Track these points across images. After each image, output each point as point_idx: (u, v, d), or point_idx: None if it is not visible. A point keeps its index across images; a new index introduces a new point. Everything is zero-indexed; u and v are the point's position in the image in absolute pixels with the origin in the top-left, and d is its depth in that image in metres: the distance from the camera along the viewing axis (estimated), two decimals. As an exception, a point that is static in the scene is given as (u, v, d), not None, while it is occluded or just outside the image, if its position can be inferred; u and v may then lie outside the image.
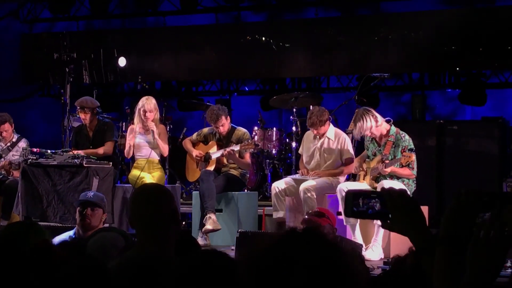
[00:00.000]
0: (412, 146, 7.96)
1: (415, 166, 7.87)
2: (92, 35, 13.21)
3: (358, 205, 2.25)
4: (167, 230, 3.46)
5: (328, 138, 8.63)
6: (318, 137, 8.66)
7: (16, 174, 9.35)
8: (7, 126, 9.88)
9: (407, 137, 8.01)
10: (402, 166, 7.86)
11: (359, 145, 9.00)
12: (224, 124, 9.01)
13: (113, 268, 3.15)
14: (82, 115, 9.36)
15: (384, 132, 8.06)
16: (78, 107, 9.41)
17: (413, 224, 2.22)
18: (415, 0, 11.68)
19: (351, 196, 2.27)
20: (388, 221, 2.24)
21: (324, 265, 1.85)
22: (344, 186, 8.00)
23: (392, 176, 7.95)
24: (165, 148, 9.12)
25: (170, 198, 3.59)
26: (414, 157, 7.81)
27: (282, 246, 1.91)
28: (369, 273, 4.22)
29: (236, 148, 8.85)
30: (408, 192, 7.05)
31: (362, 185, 8.09)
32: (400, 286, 2.68)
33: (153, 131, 8.99)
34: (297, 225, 8.07)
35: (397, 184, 7.87)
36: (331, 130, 8.66)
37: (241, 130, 9.17)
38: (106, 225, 6.79)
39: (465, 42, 10.89)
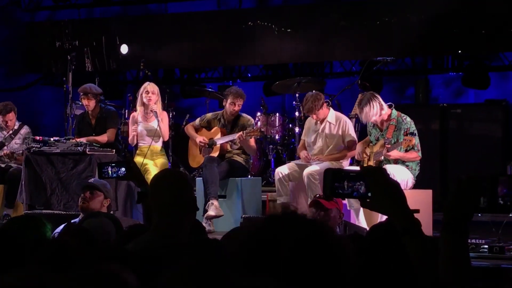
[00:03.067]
0: (414, 129, 7.93)
1: (419, 148, 7.86)
2: (94, 23, 13.19)
3: (342, 187, 2.24)
4: (184, 216, 3.55)
5: (329, 123, 8.62)
6: (319, 122, 8.64)
7: (20, 160, 9.34)
8: (11, 115, 9.88)
9: (408, 119, 7.99)
10: (405, 150, 7.85)
11: (362, 129, 8.98)
12: (237, 107, 9.00)
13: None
14: (85, 102, 9.36)
15: (386, 117, 8.05)
16: (82, 94, 9.40)
17: (393, 203, 2.23)
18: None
19: (331, 175, 2.25)
20: (368, 200, 2.24)
21: (306, 243, 1.84)
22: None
23: (397, 160, 7.93)
24: (166, 132, 9.12)
25: (190, 186, 3.68)
26: (415, 140, 7.79)
27: (264, 229, 1.90)
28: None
29: (234, 137, 8.82)
30: (412, 176, 7.06)
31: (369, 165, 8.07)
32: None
33: (156, 112, 8.98)
34: (300, 210, 8.08)
35: (400, 169, 7.87)
36: (331, 114, 8.65)
37: (246, 117, 9.16)
38: (111, 212, 6.79)
39: (468, 25, 10.84)
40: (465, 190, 2.20)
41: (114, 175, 4.42)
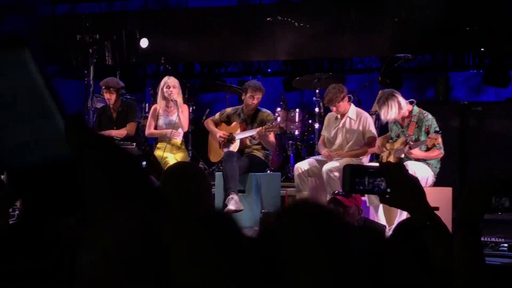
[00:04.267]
0: (436, 127, 7.92)
1: (442, 146, 7.85)
2: (114, 17, 13.22)
3: (363, 183, 2.25)
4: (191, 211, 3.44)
5: (350, 118, 8.62)
6: (339, 117, 8.64)
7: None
8: None
9: (430, 116, 7.98)
10: (428, 149, 7.84)
11: (382, 126, 8.97)
12: (256, 100, 9.01)
13: None
14: (107, 95, 9.41)
15: (407, 113, 8.04)
16: (104, 87, 9.45)
17: (412, 199, 2.26)
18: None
19: (349, 170, 2.27)
20: (387, 196, 2.26)
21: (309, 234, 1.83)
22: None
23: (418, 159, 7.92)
24: (185, 123, 9.16)
25: (199, 180, 3.55)
26: (440, 138, 7.78)
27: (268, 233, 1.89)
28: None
29: (253, 132, 8.83)
30: (433, 173, 7.04)
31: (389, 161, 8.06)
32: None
33: (176, 101, 9.02)
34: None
35: (421, 166, 7.86)
36: (352, 110, 8.65)
37: (265, 111, 9.17)
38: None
39: (489, 22, 10.79)
40: (477, 190, 2.24)
41: None
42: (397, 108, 7.91)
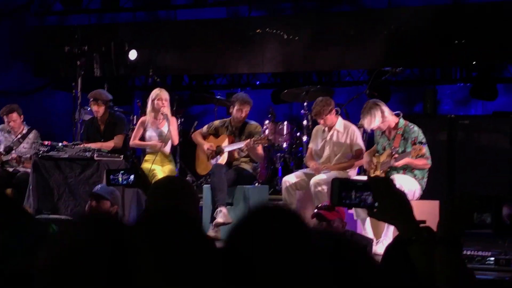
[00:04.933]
0: (422, 138, 7.94)
1: (429, 156, 7.87)
2: (103, 28, 13.23)
3: (350, 197, 2.26)
4: None
5: (337, 131, 8.64)
6: (327, 130, 8.66)
7: (28, 165, 9.38)
8: (14, 115, 9.90)
9: (416, 128, 8.01)
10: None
11: (369, 138, 8.99)
12: (244, 113, 9.02)
13: None
14: (95, 108, 9.40)
15: (393, 125, 8.06)
16: (91, 99, 9.44)
17: (399, 214, 2.27)
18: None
19: (338, 184, 2.28)
20: (375, 210, 2.28)
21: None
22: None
23: (405, 169, 7.94)
24: (175, 136, 9.17)
25: (186, 195, 3.54)
26: (425, 149, 7.80)
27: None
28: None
29: (241, 145, 8.83)
30: (420, 186, 7.06)
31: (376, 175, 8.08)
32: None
33: (166, 115, 9.02)
34: (307, 219, 8.10)
35: (408, 179, 7.87)
36: (340, 123, 8.67)
37: (253, 124, 9.18)
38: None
39: (477, 36, 10.84)
40: (459, 206, 2.26)
41: (124, 182, 4.41)
42: (380, 116, 7.94)
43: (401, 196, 2.32)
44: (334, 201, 2.32)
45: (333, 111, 8.57)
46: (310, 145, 8.98)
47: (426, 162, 7.90)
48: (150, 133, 9.21)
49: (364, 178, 7.76)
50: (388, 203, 2.28)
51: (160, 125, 9.18)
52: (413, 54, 11.26)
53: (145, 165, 9.04)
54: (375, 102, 8.10)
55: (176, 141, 9.28)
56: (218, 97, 11.47)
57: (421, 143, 7.86)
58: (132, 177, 4.40)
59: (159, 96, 9.09)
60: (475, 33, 10.85)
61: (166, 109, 9.09)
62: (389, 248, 3.07)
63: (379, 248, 7.54)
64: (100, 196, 6.13)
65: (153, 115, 9.18)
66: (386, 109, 8.01)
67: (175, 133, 9.20)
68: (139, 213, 8.54)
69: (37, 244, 1.13)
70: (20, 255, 1.14)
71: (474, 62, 11.34)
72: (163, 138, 9.13)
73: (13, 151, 9.86)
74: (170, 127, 9.06)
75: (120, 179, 4.41)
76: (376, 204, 2.27)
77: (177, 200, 3.47)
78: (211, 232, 8.43)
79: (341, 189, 2.28)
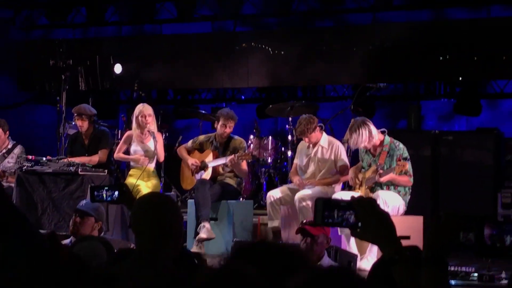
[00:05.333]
0: (407, 155, 7.99)
1: (412, 173, 7.91)
2: (88, 42, 13.21)
3: (333, 216, 2.27)
4: (167, 243, 3.44)
5: (322, 147, 8.67)
6: (311, 146, 8.68)
7: (12, 180, 9.34)
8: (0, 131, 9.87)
9: (401, 145, 8.05)
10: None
11: (354, 154, 9.02)
12: (229, 129, 9.04)
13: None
14: (79, 122, 9.38)
15: (378, 142, 8.10)
16: (76, 114, 9.42)
17: (382, 234, 2.28)
18: (410, 11, 11.73)
19: (321, 204, 2.29)
20: (358, 230, 2.29)
21: None
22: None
23: (389, 185, 7.97)
24: (161, 153, 9.15)
25: (174, 211, 3.54)
26: (408, 166, 7.84)
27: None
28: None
29: (226, 160, 8.84)
30: (404, 202, 7.10)
31: (356, 195, 8.10)
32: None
33: (153, 133, 9.00)
34: (291, 234, 8.13)
35: (392, 196, 7.90)
36: (324, 139, 8.70)
37: (238, 139, 9.19)
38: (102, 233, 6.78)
39: (461, 51, 10.91)
40: (444, 225, 2.27)
41: (108, 198, 4.39)
42: (367, 136, 7.97)
43: (384, 216, 2.33)
44: (317, 221, 2.33)
45: (317, 128, 8.60)
46: (295, 161, 8.99)
47: (409, 180, 7.94)
48: (136, 148, 9.18)
49: (349, 193, 7.79)
50: (372, 223, 2.29)
51: (145, 141, 9.16)
52: (397, 70, 11.32)
53: (130, 180, 9.02)
54: (364, 121, 8.11)
55: (162, 158, 9.26)
56: (203, 111, 11.47)
57: (405, 159, 7.90)
58: (116, 193, 4.39)
59: (142, 113, 9.07)
60: (458, 49, 10.92)
61: (152, 126, 9.06)
62: (374, 267, 3.08)
63: (363, 264, 7.55)
64: (84, 212, 6.11)
65: (138, 131, 9.16)
66: (373, 129, 8.05)
67: (161, 149, 9.19)
68: (124, 229, 8.52)
69: (37, 256, 1.13)
70: (19, 266, 1.13)
71: (460, 78, 11.41)
72: (147, 154, 9.11)
73: (-2, 166, 9.82)
74: (156, 143, 9.04)
75: (104, 195, 4.39)
76: (360, 223, 2.29)
77: (162, 217, 3.47)
78: (194, 248, 8.42)
79: (324, 209, 2.29)
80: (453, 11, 11.61)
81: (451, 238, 2.27)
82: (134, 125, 9.16)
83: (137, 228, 3.49)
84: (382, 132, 8.16)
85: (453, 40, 10.98)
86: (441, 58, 11.03)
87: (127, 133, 9.36)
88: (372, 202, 2.33)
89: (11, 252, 1.08)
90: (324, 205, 2.29)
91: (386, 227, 2.30)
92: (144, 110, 9.09)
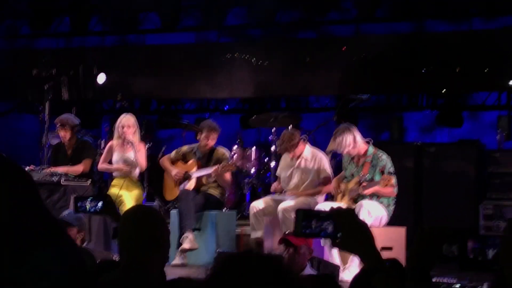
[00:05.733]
0: (391, 168, 8.02)
1: (396, 185, 7.95)
2: (72, 52, 13.18)
3: (310, 226, 2.29)
4: (154, 255, 3.45)
5: (305, 158, 8.70)
6: (295, 157, 8.71)
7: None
8: None
9: (384, 156, 8.08)
10: (381, 187, 7.94)
11: (337, 165, 9.05)
12: (211, 141, 9.06)
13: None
14: (62, 133, 9.35)
15: (362, 151, 8.13)
16: (59, 124, 9.40)
17: (362, 244, 2.30)
18: (393, 22, 11.80)
19: (301, 215, 2.31)
20: (337, 240, 2.31)
21: None
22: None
23: (372, 196, 8.00)
24: (143, 162, 9.13)
25: (160, 224, 3.56)
26: (393, 180, 7.88)
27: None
28: None
29: (210, 171, 8.86)
30: (387, 213, 7.14)
31: (339, 206, 8.12)
32: None
33: (132, 143, 8.99)
34: (274, 245, 8.13)
35: (375, 206, 7.93)
36: (307, 150, 8.73)
37: (221, 150, 9.21)
38: (85, 243, 6.76)
39: (443, 64, 10.98)
40: (427, 239, 2.29)
41: (92, 210, 4.38)
42: (352, 141, 8.02)
43: (363, 227, 2.35)
44: (296, 231, 2.35)
45: (300, 142, 8.64)
46: (278, 173, 9.03)
47: (393, 191, 7.98)
48: (116, 158, 9.17)
49: (334, 204, 7.81)
50: (351, 234, 2.31)
51: (126, 151, 9.15)
52: (380, 81, 11.37)
53: (112, 190, 9.00)
54: (348, 126, 8.19)
55: (144, 167, 9.25)
56: (186, 122, 11.47)
57: (390, 173, 7.94)
58: (100, 204, 4.38)
59: (122, 123, 9.07)
60: (441, 61, 10.99)
61: (131, 136, 9.04)
62: (356, 278, 3.11)
63: (345, 275, 7.56)
64: (66, 223, 6.09)
65: (120, 141, 9.15)
66: (358, 135, 8.11)
67: (143, 159, 9.17)
68: (106, 239, 8.49)
69: (71, 275, 1.11)
70: (50, 282, 1.11)
71: (443, 91, 11.48)
72: (128, 163, 9.09)
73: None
74: (137, 153, 9.02)
75: (88, 206, 4.38)
76: (339, 234, 2.30)
77: (148, 229, 3.48)
78: (177, 259, 8.41)
79: (303, 219, 2.31)
80: (435, 24, 11.68)
81: (434, 251, 2.29)
82: (115, 135, 9.16)
83: (125, 241, 3.50)
84: (367, 142, 8.20)
85: (436, 53, 11.05)
86: (423, 70, 11.10)
87: (110, 143, 9.35)
88: (351, 212, 2.35)
89: (47, 266, 1.06)
90: (303, 216, 2.31)
91: (365, 237, 2.32)
92: (123, 120, 9.08)
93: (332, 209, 2.34)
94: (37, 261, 1.07)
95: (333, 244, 2.35)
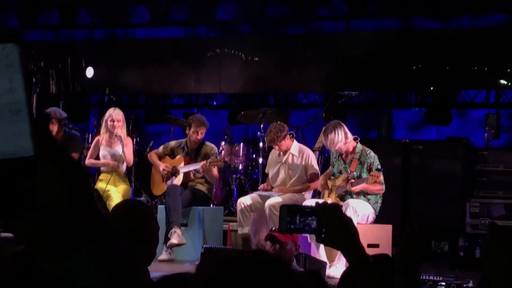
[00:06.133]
0: (378, 165, 8.03)
1: (383, 182, 7.96)
2: (60, 45, 13.13)
3: (295, 222, 2.28)
4: (142, 251, 3.42)
5: (292, 154, 8.68)
6: (282, 153, 8.70)
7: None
8: None
9: (372, 154, 8.09)
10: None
11: (325, 162, 9.05)
12: (200, 135, 9.04)
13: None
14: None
15: (351, 148, 8.14)
16: (45, 118, 9.34)
17: (346, 240, 2.31)
18: (383, 19, 11.80)
19: (286, 211, 2.30)
20: (323, 236, 2.30)
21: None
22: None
23: (359, 194, 8.01)
24: (130, 157, 9.10)
25: (147, 219, 3.53)
26: (382, 177, 7.89)
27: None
28: None
29: (197, 166, 8.84)
30: (374, 210, 7.14)
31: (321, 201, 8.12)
32: None
33: (120, 137, 8.95)
34: (261, 241, 8.13)
35: (362, 204, 7.94)
36: (295, 146, 8.72)
37: (209, 145, 9.18)
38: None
39: (432, 62, 11.01)
40: (416, 236, 2.30)
41: None
42: (343, 137, 8.02)
43: (348, 222, 2.35)
44: (281, 228, 2.34)
45: (287, 136, 8.62)
46: (267, 170, 9.02)
47: (381, 188, 7.99)
48: (104, 152, 9.14)
49: (321, 201, 7.82)
50: (335, 229, 2.31)
51: (114, 145, 9.11)
52: (369, 78, 11.38)
53: (100, 185, 8.96)
54: (339, 123, 8.19)
55: (131, 163, 9.22)
56: (175, 116, 11.44)
57: (378, 170, 7.95)
58: None
59: (111, 117, 9.04)
60: (430, 59, 11.01)
61: (120, 130, 9.02)
62: (344, 275, 3.09)
63: (332, 271, 7.57)
64: None
65: (107, 135, 9.12)
66: (348, 131, 8.12)
67: (130, 154, 9.14)
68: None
69: (112, 275, 1.08)
70: (90, 281, 1.08)
71: (431, 88, 11.50)
72: (115, 158, 9.06)
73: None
74: (125, 148, 8.99)
75: None
76: (323, 229, 2.30)
77: (138, 223, 3.46)
78: (164, 254, 8.39)
79: (288, 215, 2.30)
80: (425, 21, 11.69)
81: (423, 248, 2.30)
82: (103, 129, 9.13)
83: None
84: (355, 139, 8.20)
85: (425, 50, 11.07)
86: (413, 67, 11.12)
87: (96, 138, 9.31)
88: (336, 208, 2.36)
89: (89, 265, 1.04)
90: (288, 211, 2.30)
91: (349, 232, 2.32)
92: (113, 114, 9.05)
93: (317, 204, 2.33)
94: (80, 258, 1.05)
95: (318, 240, 2.34)
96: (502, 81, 10.94)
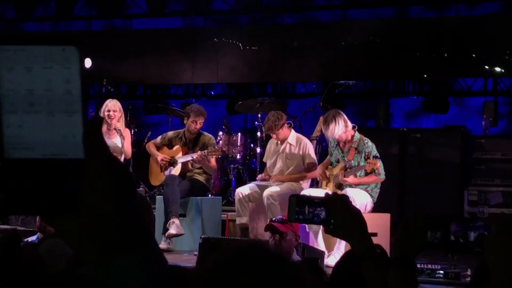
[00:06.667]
0: (376, 153, 8.04)
1: (381, 172, 7.95)
2: (58, 36, 13.10)
3: (304, 212, 2.29)
4: None
5: (290, 144, 8.69)
6: (279, 143, 8.71)
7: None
8: None
9: (370, 143, 8.09)
10: (367, 173, 7.94)
11: (322, 151, 9.06)
12: (198, 125, 9.05)
13: (82, 275, 3.13)
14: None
15: (349, 137, 8.14)
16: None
17: (354, 231, 2.32)
18: (380, 8, 11.80)
19: (295, 201, 2.31)
20: (331, 227, 2.32)
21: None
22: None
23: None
24: (128, 149, 9.11)
25: (144, 211, 3.49)
26: (379, 163, 7.89)
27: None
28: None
29: (195, 156, 8.85)
30: (372, 199, 7.12)
31: (324, 191, 8.12)
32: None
33: (120, 130, 8.95)
34: (259, 231, 8.15)
35: (360, 193, 7.94)
36: (292, 136, 8.72)
37: (207, 135, 9.18)
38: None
39: (429, 50, 11.01)
40: (412, 227, 2.31)
41: None
42: (343, 125, 8.01)
43: (356, 213, 2.36)
44: (290, 217, 2.36)
45: (285, 125, 8.63)
46: (265, 160, 9.03)
47: (377, 178, 7.98)
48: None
49: (317, 190, 7.82)
50: (344, 220, 2.32)
51: (112, 136, 9.11)
52: (366, 67, 11.38)
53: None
54: (338, 111, 8.19)
55: (129, 155, 9.21)
56: (173, 106, 11.45)
57: (375, 157, 7.95)
58: None
59: (109, 108, 9.02)
60: (427, 47, 11.01)
61: (118, 123, 8.99)
62: (337, 266, 3.11)
63: (330, 260, 7.58)
64: None
65: (105, 126, 9.11)
66: (348, 120, 8.12)
67: (128, 147, 9.13)
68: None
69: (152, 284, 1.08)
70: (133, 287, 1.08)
71: (425, 76, 11.51)
72: (114, 150, 9.06)
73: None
74: (123, 140, 8.99)
75: None
76: (332, 221, 2.31)
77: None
78: (163, 244, 8.41)
79: (297, 205, 2.32)
80: (422, 9, 11.69)
81: (418, 239, 2.31)
82: (100, 120, 9.11)
83: None
84: (353, 128, 8.21)
85: (423, 38, 11.07)
86: (410, 56, 11.12)
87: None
88: (345, 199, 2.36)
89: (129, 273, 1.04)
90: (297, 202, 2.31)
91: (358, 224, 2.33)
92: (111, 105, 9.03)
93: (327, 195, 2.35)
94: (122, 264, 1.06)
95: (326, 231, 2.36)
96: (497, 69, 10.94)
